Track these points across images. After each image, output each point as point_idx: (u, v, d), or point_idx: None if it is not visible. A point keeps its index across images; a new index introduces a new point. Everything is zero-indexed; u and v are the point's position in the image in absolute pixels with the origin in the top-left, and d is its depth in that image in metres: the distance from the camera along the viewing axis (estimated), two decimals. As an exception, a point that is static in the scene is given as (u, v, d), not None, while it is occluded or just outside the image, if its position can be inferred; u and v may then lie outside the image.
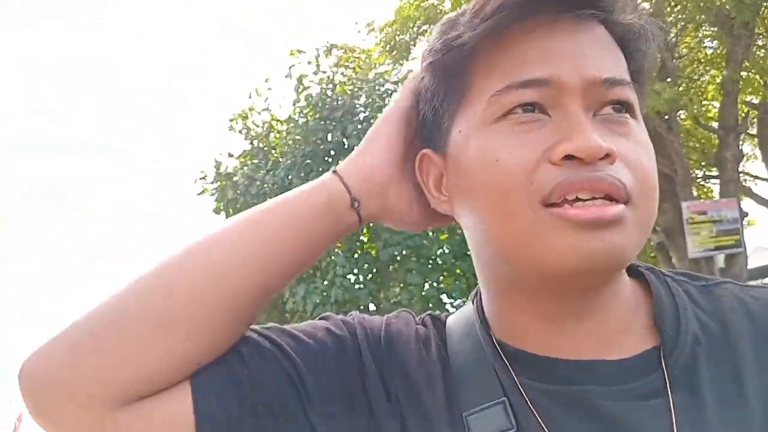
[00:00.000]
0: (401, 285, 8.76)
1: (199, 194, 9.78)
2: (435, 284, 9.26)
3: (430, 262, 9.25)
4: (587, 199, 0.48)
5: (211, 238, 0.59)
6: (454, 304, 9.15)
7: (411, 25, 10.10)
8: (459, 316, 0.64)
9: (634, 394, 0.51)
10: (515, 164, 0.49)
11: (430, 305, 8.67)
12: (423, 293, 8.92)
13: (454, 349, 0.60)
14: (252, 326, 0.61)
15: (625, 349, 0.54)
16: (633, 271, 0.60)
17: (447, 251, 9.34)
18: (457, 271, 9.24)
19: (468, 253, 0.67)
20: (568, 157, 0.48)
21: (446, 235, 9.05)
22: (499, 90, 0.51)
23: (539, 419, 0.52)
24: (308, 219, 0.60)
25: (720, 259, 10.61)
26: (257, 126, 10.45)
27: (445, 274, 9.31)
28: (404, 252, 8.90)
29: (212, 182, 9.75)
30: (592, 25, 0.52)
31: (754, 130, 15.01)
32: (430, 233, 8.67)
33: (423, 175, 0.62)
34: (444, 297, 9.15)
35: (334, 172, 0.63)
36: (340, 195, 0.62)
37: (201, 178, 10.07)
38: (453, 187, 0.58)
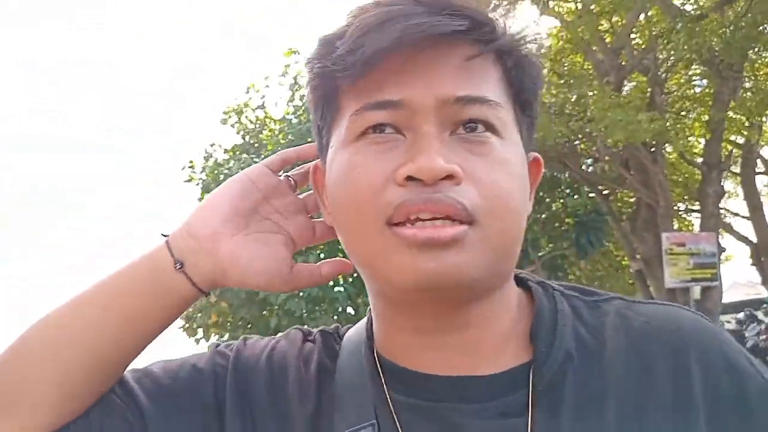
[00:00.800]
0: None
1: (186, 182, 9.87)
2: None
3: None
4: (427, 220, 0.48)
5: (50, 317, 0.59)
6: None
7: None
8: (353, 331, 0.63)
9: (497, 412, 0.51)
10: (366, 184, 0.49)
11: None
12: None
13: (341, 367, 0.59)
14: (130, 368, 0.61)
15: (497, 365, 0.54)
16: (524, 285, 0.60)
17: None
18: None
19: None
20: (411, 178, 0.48)
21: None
22: (357, 110, 0.51)
23: None
24: (132, 295, 0.58)
25: (696, 291, 10.74)
26: (251, 122, 10.54)
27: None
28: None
29: (201, 171, 9.83)
30: (461, 45, 0.51)
31: (737, 168, 15.33)
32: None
33: (316, 185, 0.62)
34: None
35: (165, 236, 0.61)
36: (163, 259, 0.59)
37: (189, 167, 10.14)
38: (329, 201, 0.58)
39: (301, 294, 8.58)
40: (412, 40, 0.47)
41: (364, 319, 0.63)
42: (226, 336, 9.38)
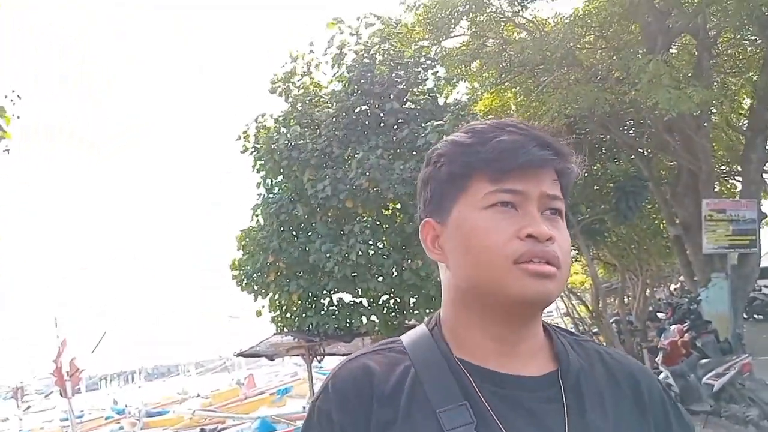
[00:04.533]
0: (422, 259, 9.23)
1: (241, 152, 10.16)
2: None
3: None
4: (538, 262, 0.76)
5: None
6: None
7: (450, 4, 10.09)
8: (414, 338, 0.84)
9: (545, 398, 0.78)
10: (498, 237, 0.76)
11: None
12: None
13: (420, 365, 0.80)
14: None
15: (539, 369, 0.81)
16: None
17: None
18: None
19: None
20: (530, 236, 0.75)
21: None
22: (492, 191, 0.78)
23: (492, 413, 0.76)
24: None
25: (733, 257, 10.72)
26: (298, 89, 10.69)
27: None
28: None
29: (255, 141, 10.10)
30: (550, 162, 0.80)
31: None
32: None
33: (424, 235, 0.85)
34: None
35: None
36: None
37: (243, 137, 10.37)
38: (447, 244, 0.82)
39: (351, 260, 8.97)
40: (532, 164, 0.78)
41: (419, 329, 0.86)
42: (281, 292, 9.74)
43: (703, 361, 6.92)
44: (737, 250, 10.58)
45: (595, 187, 11.34)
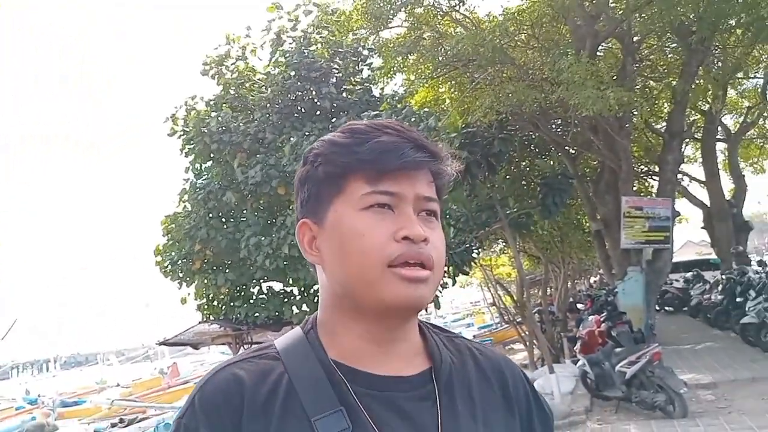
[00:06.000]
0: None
1: (169, 135, 9.78)
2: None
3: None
4: (413, 264, 0.76)
5: None
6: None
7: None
8: (288, 343, 0.83)
9: (419, 397, 0.80)
10: (373, 239, 0.76)
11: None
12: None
13: (294, 372, 0.78)
14: None
15: (413, 368, 0.82)
16: None
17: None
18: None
19: None
20: (405, 238, 0.76)
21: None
22: (368, 192, 0.77)
23: (366, 416, 0.76)
24: None
25: (648, 252, 11.30)
26: (231, 72, 10.41)
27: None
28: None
29: (184, 125, 9.73)
30: (424, 167, 0.81)
31: (699, 135, 15.95)
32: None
33: (301, 236, 0.84)
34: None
35: None
36: None
37: (171, 119, 10.00)
38: (324, 246, 0.81)
39: (282, 253, 8.85)
40: (408, 166, 0.78)
41: (294, 333, 0.85)
42: (207, 281, 9.53)
43: (618, 349, 7.30)
44: (652, 245, 11.15)
45: (523, 183, 11.68)
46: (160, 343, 12.20)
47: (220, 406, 0.75)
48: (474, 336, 22.20)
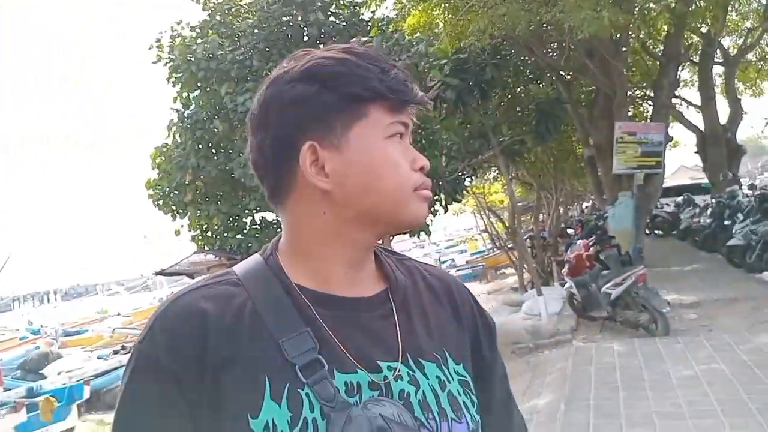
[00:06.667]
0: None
1: (153, 63, 9.52)
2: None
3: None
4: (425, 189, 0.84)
5: None
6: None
7: None
8: (248, 269, 0.82)
9: (381, 315, 0.83)
10: (405, 168, 0.81)
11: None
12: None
13: (258, 296, 0.78)
14: None
15: (372, 289, 0.85)
16: None
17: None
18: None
19: None
20: (421, 168, 0.83)
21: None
22: (392, 122, 0.80)
23: (332, 335, 0.78)
24: None
25: (640, 177, 11.36)
26: (217, -3, 10.03)
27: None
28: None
29: (169, 52, 9.45)
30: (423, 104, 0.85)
31: (697, 58, 15.66)
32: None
33: (302, 159, 0.79)
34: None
35: None
36: None
37: (156, 46, 9.71)
38: (341, 171, 0.79)
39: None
40: (419, 100, 0.84)
41: (253, 259, 0.84)
42: (200, 212, 9.56)
43: (605, 272, 7.46)
44: (644, 170, 11.20)
45: (517, 109, 11.55)
46: (158, 273, 12.38)
47: (181, 333, 0.74)
48: (467, 261, 22.64)
